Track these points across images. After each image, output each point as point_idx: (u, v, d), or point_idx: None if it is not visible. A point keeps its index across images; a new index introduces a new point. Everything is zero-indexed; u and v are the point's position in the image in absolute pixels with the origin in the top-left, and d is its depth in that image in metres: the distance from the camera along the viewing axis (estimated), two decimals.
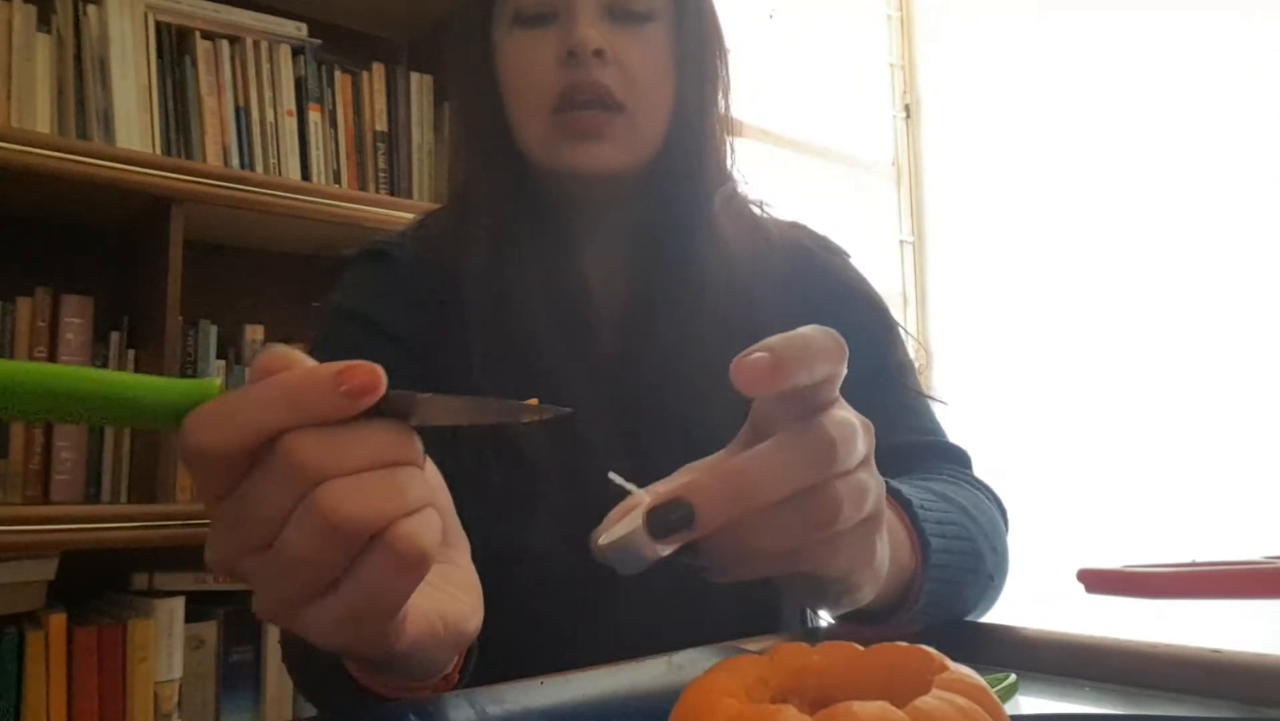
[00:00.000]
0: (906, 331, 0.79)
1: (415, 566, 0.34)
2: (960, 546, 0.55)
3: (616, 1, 0.69)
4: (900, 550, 0.51)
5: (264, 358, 0.34)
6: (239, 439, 0.32)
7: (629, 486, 0.40)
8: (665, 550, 0.38)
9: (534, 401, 0.37)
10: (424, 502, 0.34)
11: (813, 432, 0.38)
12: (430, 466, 0.39)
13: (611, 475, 0.41)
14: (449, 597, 0.41)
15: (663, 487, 0.41)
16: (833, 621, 0.62)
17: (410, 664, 0.40)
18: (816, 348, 0.37)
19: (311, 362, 0.34)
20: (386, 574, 0.33)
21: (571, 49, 0.66)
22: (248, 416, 0.32)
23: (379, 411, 0.33)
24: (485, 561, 0.64)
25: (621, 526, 0.39)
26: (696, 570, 0.41)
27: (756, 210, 0.79)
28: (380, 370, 0.33)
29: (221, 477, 0.33)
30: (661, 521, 0.37)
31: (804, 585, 0.44)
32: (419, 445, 0.35)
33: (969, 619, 0.60)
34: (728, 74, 0.76)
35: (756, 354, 0.36)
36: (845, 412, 0.40)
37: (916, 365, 0.78)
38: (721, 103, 0.75)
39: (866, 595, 0.45)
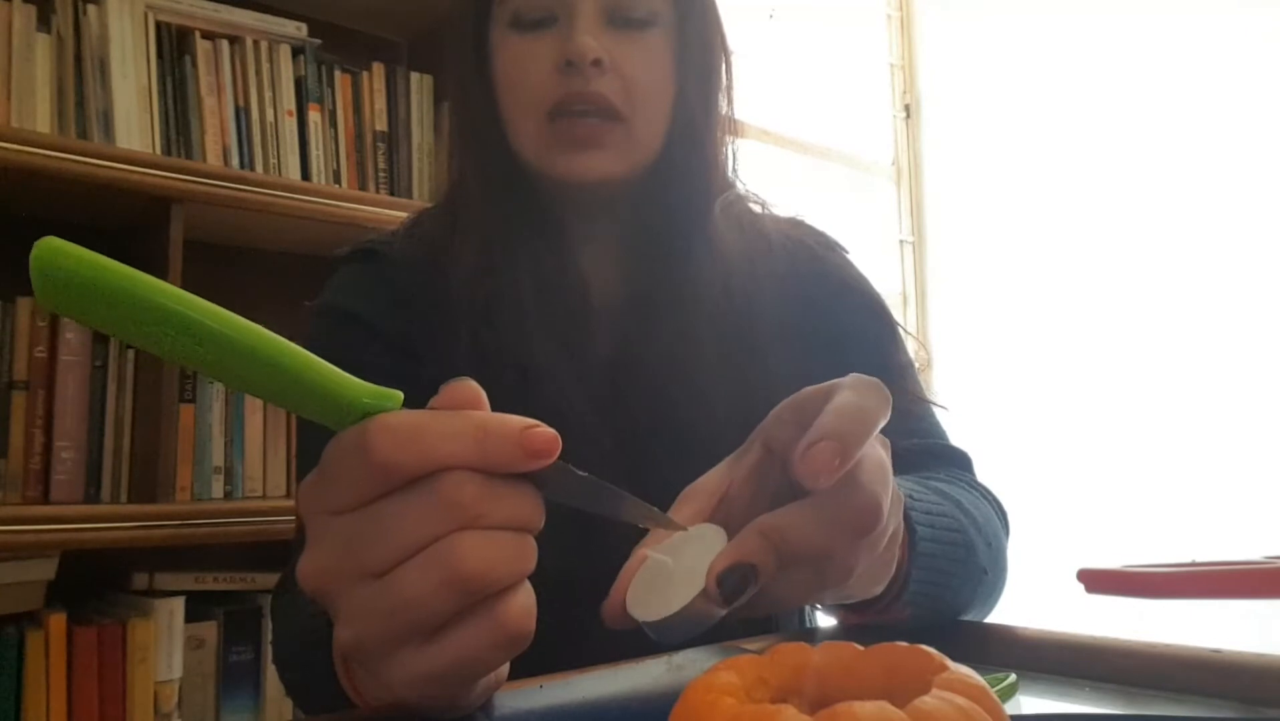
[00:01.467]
0: (907, 331, 0.78)
1: (516, 643, 0.34)
2: (950, 537, 0.55)
3: (616, 7, 0.68)
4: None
5: (455, 388, 0.34)
6: (419, 460, 0.32)
7: (664, 559, 0.41)
8: (724, 611, 0.39)
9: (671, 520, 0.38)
10: (528, 573, 0.34)
11: (858, 499, 0.38)
12: None
13: (650, 553, 0.41)
14: None
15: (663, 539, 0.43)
16: (832, 620, 0.62)
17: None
18: (872, 413, 0.38)
19: (485, 400, 0.34)
20: (487, 642, 0.33)
21: (569, 58, 0.66)
22: (435, 442, 0.32)
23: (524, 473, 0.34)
24: None
25: (664, 600, 0.39)
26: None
27: (757, 208, 0.78)
28: (558, 436, 0.33)
29: (364, 491, 0.32)
30: (732, 584, 0.38)
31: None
32: (544, 516, 0.35)
33: (969, 618, 0.60)
34: (730, 77, 0.75)
35: (821, 444, 0.36)
36: (877, 452, 0.40)
37: (917, 365, 0.78)
38: (723, 106, 0.75)
39: (872, 594, 0.46)
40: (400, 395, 0.34)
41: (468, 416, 0.33)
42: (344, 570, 0.33)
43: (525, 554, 0.34)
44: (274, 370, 0.31)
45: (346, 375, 0.33)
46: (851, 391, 0.40)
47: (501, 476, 0.33)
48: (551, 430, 0.33)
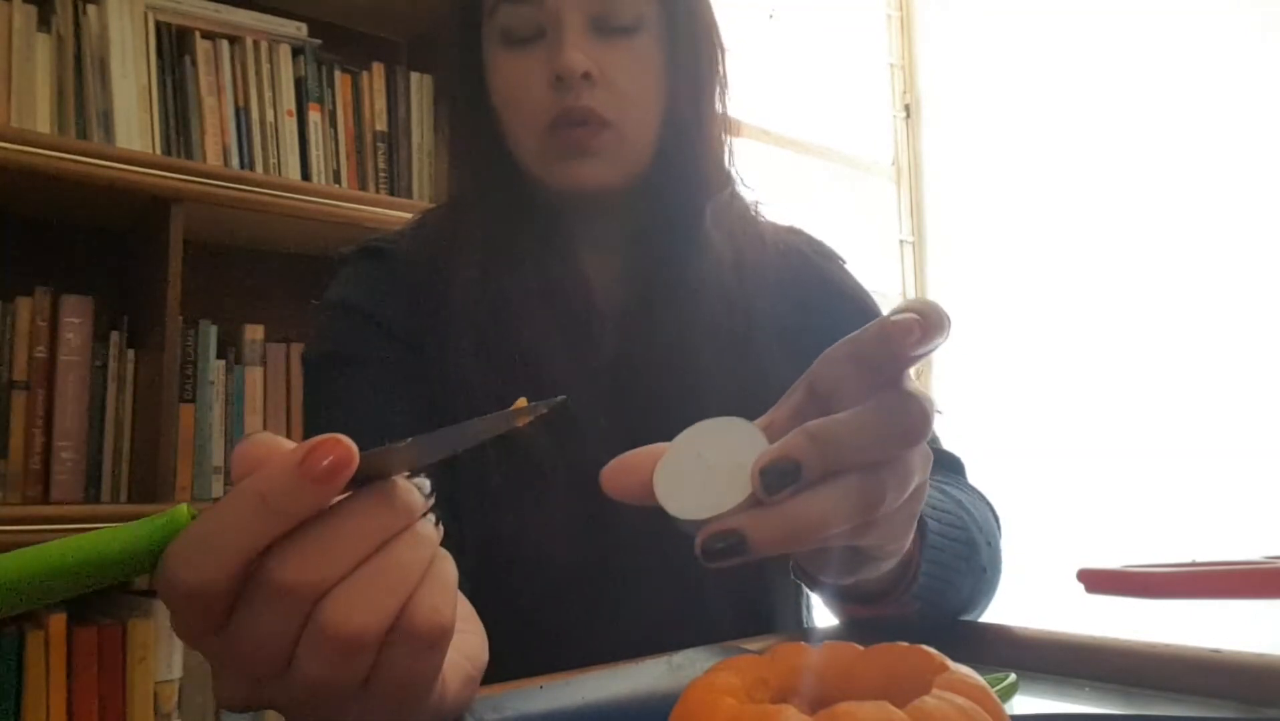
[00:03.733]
0: None
1: (441, 640, 0.32)
2: (955, 534, 0.56)
3: (603, 16, 0.68)
4: None
5: (241, 452, 0.31)
6: (225, 568, 0.29)
7: (699, 453, 0.38)
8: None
9: (522, 401, 0.35)
10: (428, 563, 0.32)
11: (907, 404, 0.37)
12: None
13: (678, 442, 0.39)
14: (461, 635, 0.39)
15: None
16: (828, 607, 0.62)
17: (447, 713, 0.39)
18: (947, 318, 0.37)
19: (288, 445, 0.31)
20: (415, 658, 0.32)
21: (559, 73, 0.66)
22: (227, 541, 0.29)
23: (356, 478, 0.30)
24: (485, 564, 0.64)
25: (707, 499, 0.37)
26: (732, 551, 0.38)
27: (753, 213, 0.78)
28: (345, 438, 0.30)
29: (213, 613, 0.30)
30: (774, 478, 0.35)
31: (828, 555, 0.44)
32: (408, 497, 0.32)
33: (967, 618, 0.60)
34: (724, 73, 0.75)
35: (907, 314, 0.35)
36: (917, 385, 0.40)
37: (913, 371, 0.78)
38: (718, 103, 0.75)
39: (887, 566, 0.45)
40: (185, 509, 0.31)
41: (243, 492, 0.30)
42: (250, 684, 0.32)
43: (400, 568, 0.31)
44: (57, 574, 0.29)
45: (122, 528, 0.31)
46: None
47: (328, 509, 0.31)
48: (333, 437, 0.29)
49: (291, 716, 0.33)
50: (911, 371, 0.72)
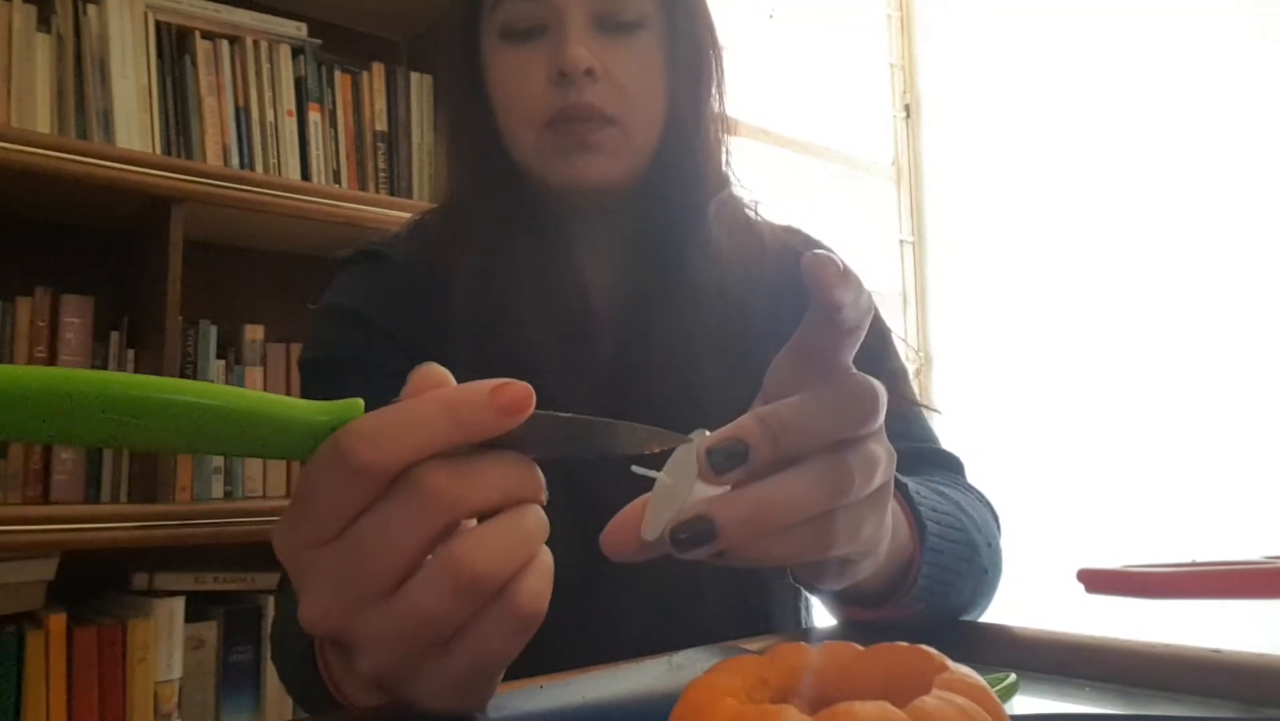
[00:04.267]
0: (900, 337, 0.79)
1: (531, 627, 0.33)
2: (955, 536, 0.56)
3: (605, 12, 0.68)
4: (899, 531, 0.51)
5: (421, 373, 0.33)
6: (402, 453, 0.31)
7: (651, 473, 0.39)
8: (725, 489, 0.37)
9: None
10: (541, 544, 0.33)
11: (853, 384, 0.37)
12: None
13: (635, 468, 0.39)
14: None
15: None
16: (829, 611, 0.62)
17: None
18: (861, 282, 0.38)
19: (453, 381, 0.33)
20: (505, 632, 0.32)
21: (562, 69, 0.66)
22: (410, 432, 0.31)
23: (498, 442, 0.32)
24: None
25: (668, 514, 0.37)
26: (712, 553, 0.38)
27: (751, 214, 0.78)
28: (530, 388, 0.32)
29: (347, 506, 0.31)
30: (721, 458, 0.35)
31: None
32: (539, 474, 0.34)
33: (967, 618, 0.60)
34: (722, 72, 0.75)
35: (828, 257, 0.36)
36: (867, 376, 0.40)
37: (912, 370, 0.78)
38: (716, 103, 0.75)
39: (866, 569, 0.45)
40: (360, 402, 0.33)
41: (434, 396, 0.32)
42: (348, 602, 0.32)
43: (527, 534, 0.33)
44: (228, 419, 0.30)
45: (301, 401, 0.32)
46: None
47: (481, 452, 0.32)
48: (523, 383, 0.32)
49: (371, 655, 0.33)
50: (910, 370, 0.72)
